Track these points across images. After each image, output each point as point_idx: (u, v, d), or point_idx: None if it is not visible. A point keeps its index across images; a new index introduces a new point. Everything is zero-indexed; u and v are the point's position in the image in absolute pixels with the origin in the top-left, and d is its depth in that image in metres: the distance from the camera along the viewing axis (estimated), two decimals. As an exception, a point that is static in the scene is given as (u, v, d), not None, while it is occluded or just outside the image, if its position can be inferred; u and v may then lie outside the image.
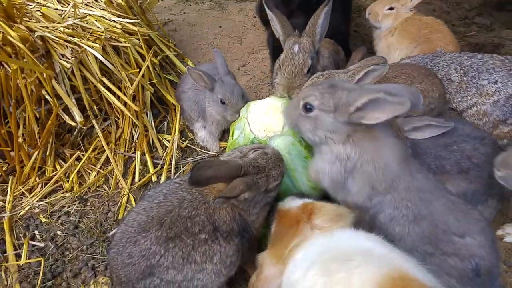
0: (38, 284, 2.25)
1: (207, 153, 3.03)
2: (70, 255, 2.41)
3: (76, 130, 2.89)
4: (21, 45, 2.34)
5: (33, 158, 2.70)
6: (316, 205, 1.84)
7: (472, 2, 5.88)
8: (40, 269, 2.30)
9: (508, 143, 2.37)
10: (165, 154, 2.98)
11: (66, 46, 2.55)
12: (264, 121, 2.34)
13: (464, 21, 5.42)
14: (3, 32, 2.35)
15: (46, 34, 2.50)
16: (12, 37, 2.33)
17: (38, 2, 2.77)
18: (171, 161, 2.93)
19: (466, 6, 5.82)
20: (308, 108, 1.87)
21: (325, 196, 2.31)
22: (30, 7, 2.72)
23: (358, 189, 1.84)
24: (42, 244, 2.44)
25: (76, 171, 2.80)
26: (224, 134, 3.09)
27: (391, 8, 3.60)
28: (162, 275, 1.78)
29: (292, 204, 1.91)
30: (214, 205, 1.86)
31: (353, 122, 1.76)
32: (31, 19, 2.64)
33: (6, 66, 2.41)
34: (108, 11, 2.93)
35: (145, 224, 1.81)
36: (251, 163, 1.89)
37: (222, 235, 1.86)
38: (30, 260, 2.34)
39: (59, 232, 2.52)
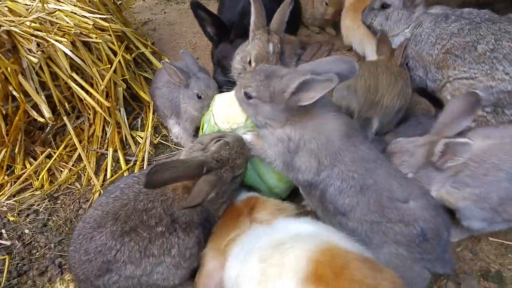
0: (3, 282, 2.21)
1: (181, 149, 3.00)
2: (38, 253, 2.37)
3: (48, 127, 2.86)
4: (-15, 39, 2.31)
5: (1, 156, 2.66)
6: (260, 200, 1.89)
7: (450, 3, 5.92)
8: (4, 268, 2.26)
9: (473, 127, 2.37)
10: (137, 150, 2.94)
11: (32, 40, 2.51)
12: (227, 113, 2.31)
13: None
14: (-35, 26, 2.31)
15: (12, 28, 2.47)
16: (-25, 31, 2.30)
17: (6, -3, 2.74)
18: (143, 157, 2.89)
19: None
20: (248, 96, 1.92)
21: (294, 190, 2.32)
22: (-3, 2, 2.70)
23: (306, 166, 1.86)
24: (8, 243, 2.39)
25: (46, 168, 2.76)
26: (197, 131, 3.06)
27: None
28: (120, 271, 1.74)
29: (237, 198, 1.96)
30: (179, 211, 1.82)
31: (291, 106, 1.79)
32: (-3, 13, 2.61)
33: (-30, 61, 2.38)
34: (80, 6, 2.91)
35: (100, 219, 1.77)
36: (214, 157, 1.85)
37: (181, 227, 1.82)
38: (-5, 258, 2.30)
39: (26, 231, 2.48)
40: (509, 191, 1.90)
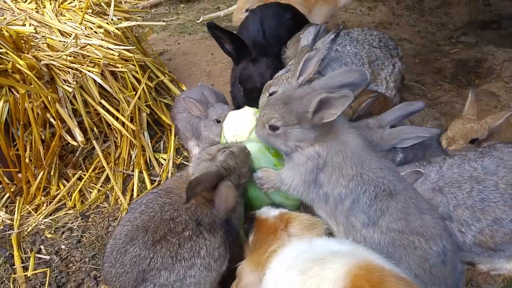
0: (45, 293, 2.40)
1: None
2: (74, 267, 2.56)
3: (78, 151, 3.10)
4: (29, 72, 2.58)
5: (38, 178, 2.89)
6: (292, 215, 1.99)
7: (456, 23, 6.17)
8: (46, 280, 2.45)
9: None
10: (161, 171, 3.17)
11: (69, 72, 2.79)
12: (235, 128, 2.53)
13: (449, 41, 5.68)
14: (12, 61, 2.59)
15: (51, 62, 2.74)
16: (20, 65, 2.57)
17: (43, 36, 3.03)
18: (167, 177, 3.11)
19: (450, 26, 6.09)
20: (273, 128, 2.03)
21: (298, 207, 2.46)
22: (37, 39, 2.99)
23: (332, 180, 1.94)
24: (47, 257, 2.59)
25: (78, 189, 2.98)
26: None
27: None
28: (155, 279, 1.87)
29: (269, 213, 2.05)
30: (220, 216, 2.02)
31: (317, 124, 1.91)
32: (38, 49, 2.90)
33: (15, 92, 2.64)
34: (106, 40, 3.19)
35: (132, 233, 1.92)
36: (222, 166, 2.05)
37: (206, 228, 1.99)
38: (36, 271, 2.49)
39: (63, 246, 2.67)
40: None
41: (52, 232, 2.75)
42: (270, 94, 2.69)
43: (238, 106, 3.10)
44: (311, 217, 2.02)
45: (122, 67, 3.10)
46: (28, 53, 2.74)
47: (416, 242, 1.79)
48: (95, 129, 3.06)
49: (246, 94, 2.99)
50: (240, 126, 2.51)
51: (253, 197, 2.41)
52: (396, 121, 2.40)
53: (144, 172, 3.13)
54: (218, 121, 2.90)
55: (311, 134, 1.96)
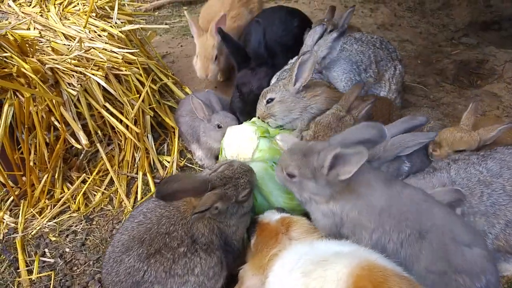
0: (49, 296, 2.41)
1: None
2: (78, 270, 2.56)
3: (82, 154, 3.11)
4: (34, 76, 2.59)
5: (43, 181, 2.90)
6: (293, 219, 2.01)
7: (457, 24, 6.18)
8: (50, 283, 2.45)
9: None
10: (165, 173, 3.17)
11: (73, 75, 2.80)
12: (235, 147, 2.52)
13: (451, 42, 5.69)
14: (17, 65, 2.60)
15: (55, 65, 2.76)
16: (25, 69, 2.58)
17: (48, 39, 3.05)
18: (171, 179, 3.11)
19: (452, 28, 6.10)
20: (291, 175, 2.00)
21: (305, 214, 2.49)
22: (41, 43, 3.00)
23: (356, 233, 1.89)
24: (51, 260, 2.60)
25: (82, 192, 2.99)
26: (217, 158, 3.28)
27: None
28: None
29: (271, 217, 2.07)
30: (192, 220, 1.97)
31: (332, 181, 1.85)
32: (42, 53, 2.91)
33: (19, 96, 2.65)
34: (110, 43, 3.20)
35: (128, 244, 1.93)
36: (218, 176, 2.03)
37: (202, 248, 1.96)
38: (41, 274, 2.50)
39: (67, 249, 2.68)
40: None
41: (56, 235, 2.76)
42: (267, 101, 2.65)
43: (233, 112, 3.12)
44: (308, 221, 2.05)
45: (126, 70, 3.10)
46: (32, 57, 2.76)
47: (460, 280, 1.68)
48: (99, 132, 3.06)
49: (243, 99, 2.98)
50: (242, 146, 2.50)
51: (257, 204, 2.42)
52: (398, 134, 2.37)
53: (148, 174, 3.14)
54: (219, 127, 2.90)
55: (326, 191, 1.90)
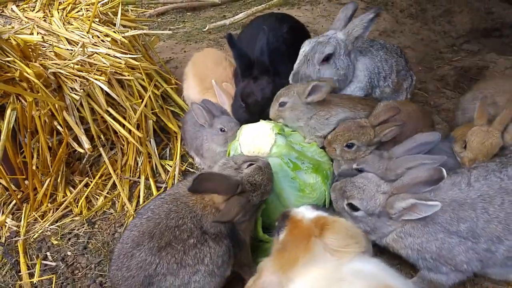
0: (51, 300, 2.41)
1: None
2: (80, 273, 2.57)
3: (85, 158, 3.13)
4: (36, 80, 2.61)
5: (45, 185, 2.91)
6: (329, 220, 1.80)
7: (459, 31, 6.20)
8: (52, 287, 2.46)
9: None
10: (167, 178, 3.18)
11: (76, 80, 2.82)
12: (253, 143, 2.56)
13: (452, 48, 5.71)
14: (20, 69, 2.62)
15: (58, 70, 2.78)
16: (28, 73, 2.61)
17: (51, 44, 3.07)
18: (173, 184, 3.12)
19: (453, 34, 6.11)
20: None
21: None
22: (44, 48, 3.03)
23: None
24: (53, 263, 2.60)
25: (84, 196, 3.00)
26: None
27: None
28: (160, 284, 1.91)
29: (305, 214, 1.89)
30: (210, 226, 2.02)
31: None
32: (45, 57, 2.94)
33: (22, 100, 2.67)
34: (113, 49, 3.22)
35: (138, 239, 1.96)
36: (248, 180, 2.06)
37: (211, 237, 2.00)
38: (42, 278, 2.50)
39: (69, 253, 2.69)
40: (444, 241, 2.07)
41: (58, 238, 2.77)
42: (280, 105, 2.72)
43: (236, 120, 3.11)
44: (351, 225, 1.87)
45: (128, 75, 3.13)
46: (35, 62, 2.78)
47: None
48: (102, 136, 3.08)
49: (250, 110, 2.99)
50: (261, 141, 2.56)
51: (267, 201, 2.42)
52: (407, 153, 2.38)
53: (150, 179, 3.15)
54: (222, 130, 2.91)
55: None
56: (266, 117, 2.86)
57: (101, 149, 3.09)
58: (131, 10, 4.30)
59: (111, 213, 2.97)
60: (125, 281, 1.93)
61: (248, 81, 3.03)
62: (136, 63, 3.26)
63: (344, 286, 1.47)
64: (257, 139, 2.60)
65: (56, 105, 2.70)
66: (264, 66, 2.98)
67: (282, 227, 1.89)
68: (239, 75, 3.18)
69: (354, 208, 2.19)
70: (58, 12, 3.53)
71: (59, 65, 2.84)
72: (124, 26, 3.74)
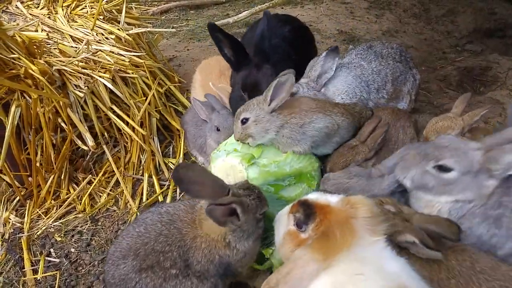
0: (54, 296, 2.43)
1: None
2: (83, 270, 2.58)
3: (89, 155, 3.14)
4: (41, 77, 2.62)
5: (49, 182, 2.92)
6: (352, 200, 1.67)
7: (462, 31, 6.21)
8: (55, 283, 2.47)
9: None
10: (170, 175, 3.19)
11: (80, 77, 2.83)
12: (227, 180, 2.24)
13: (455, 49, 5.71)
14: (24, 66, 2.63)
15: (63, 67, 2.79)
16: (32, 70, 2.61)
17: (55, 41, 3.08)
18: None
19: (456, 34, 6.12)
20: None
21: None
22: (49, 45, 3.04)
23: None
24: (57, 260, 2.62)
25: (88, 193, 3.01)
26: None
27: None
28: None
29: (327, 198, 1.72)
30: (206, 212, 1.81)
31: None
32: (50, 54, 2.95)
33: (27, 97, 2.68)
34: (117, 46, 3.23)
35: (125, 252, 1.94)
36: (239, 186, 1.96)
37: (195, 274, 1.92)
38: (46, 274, 2.51)
39: (72, 250, 2.70)
40: None
41: (62, 235, 2.78)
42: (242, 122, 2.43)
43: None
44: (376, 205, 1.69)
45: (132, 73, 3.14)
46: (40, 59, 2.79)
47: None
48: (105, 134, 3.09)
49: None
50: (234, 178, 2.39)
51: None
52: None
53: (153, 176, 3.16)
54: (218, 129, 2.87)
55: (489, 189, 2.00)
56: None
57: (104, 146, 3.10)
58: (135, 8, 4.31)
59: (114, 211, 2.97)
60: (110, 286, 1.98)
61: (249, 70, 2.85)
62: (140, 61, 3.27)
63: (360, 284, 1.38)
64: (230, 176, 2.42)
65: (61, 102, 2.71)
66: (264, 53, 2.86)
67: (310, 216, 1.69)
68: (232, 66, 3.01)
69: (445, 169, 1.93)
70: (63, 9, 3.54)
71: (63, 62, 2.85)
72: (128, 24, 3.75)
